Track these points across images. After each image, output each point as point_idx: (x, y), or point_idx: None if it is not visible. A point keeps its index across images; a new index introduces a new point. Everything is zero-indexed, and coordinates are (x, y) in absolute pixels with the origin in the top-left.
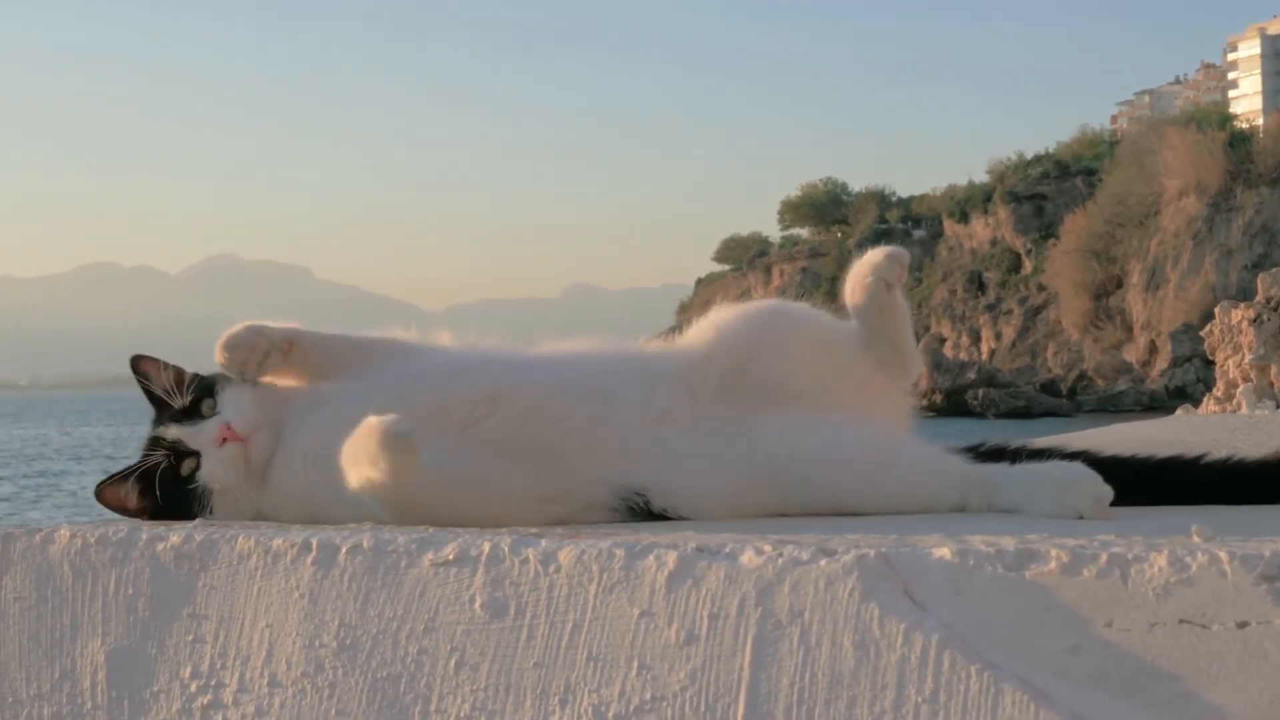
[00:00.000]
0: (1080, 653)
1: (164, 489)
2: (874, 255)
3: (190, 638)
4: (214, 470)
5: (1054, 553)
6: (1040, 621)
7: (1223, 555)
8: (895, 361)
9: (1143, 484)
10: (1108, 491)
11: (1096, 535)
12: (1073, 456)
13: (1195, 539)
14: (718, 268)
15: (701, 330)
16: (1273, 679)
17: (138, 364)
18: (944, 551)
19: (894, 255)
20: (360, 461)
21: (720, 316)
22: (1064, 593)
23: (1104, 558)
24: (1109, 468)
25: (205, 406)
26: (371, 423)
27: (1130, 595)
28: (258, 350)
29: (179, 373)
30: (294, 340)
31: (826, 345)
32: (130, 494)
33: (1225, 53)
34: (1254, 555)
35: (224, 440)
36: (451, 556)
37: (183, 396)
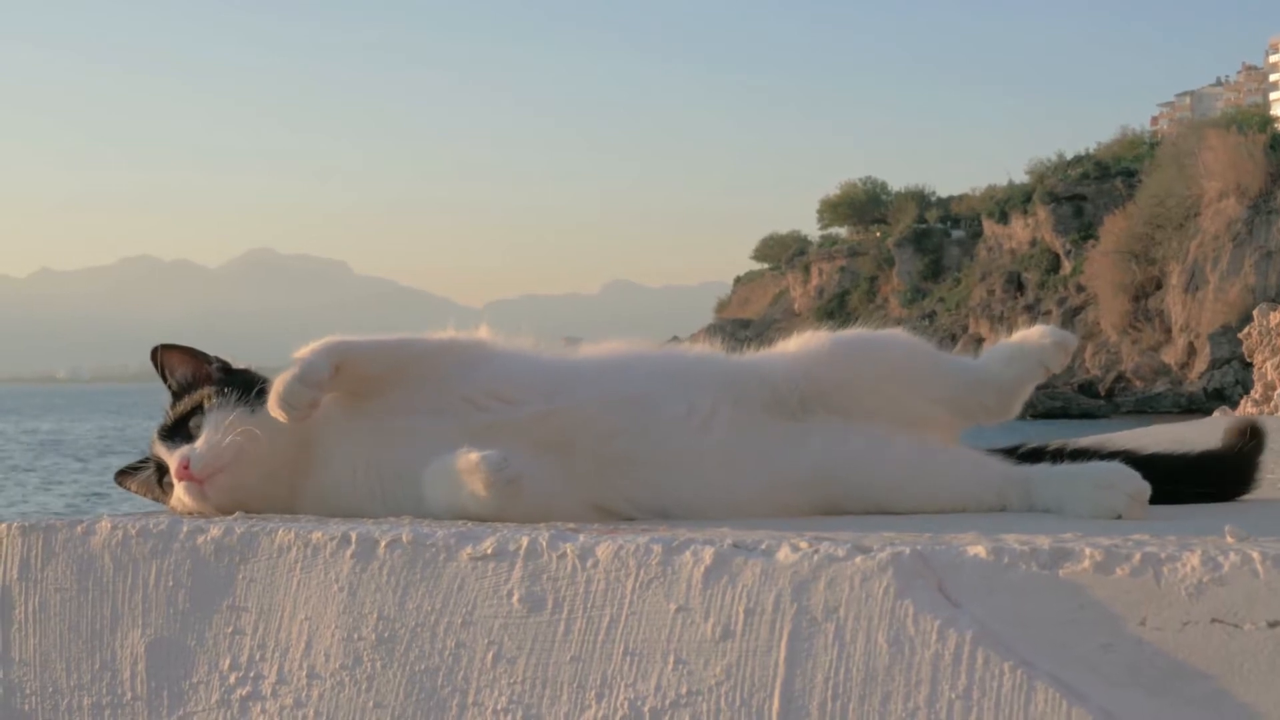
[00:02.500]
0: (1113, 650)
1: (161, 490)
2: (1043, 339)
3: (230, 629)
4: (179, 496)
5: (1088, 551)
6: (1073, 619)
7: (1255, 555)
8: (997, 411)
9: (1178, 483)
10: (1145, 487)
11: (1130, 534)
12: (1111, 456)
13: (1228, 539)
14: (756, 266)
15: (792, 349)
16: None
17: (158, 355)
18: (978, 550)
19: (1063, 344)
20: (458, 491)
21: (816, 341)
22: (1097, 591)
23: (1137, 557)
24: (1146, 466)
25: (192, 424)
26: (473, 460)
27: (1163, 594)
28: (316, 403)
29: (195, 369)
30: (339, 365)
31: (922, 380)
32: (139, 486)
33: (1267, 54)
34: None
35: (181, 478)
36: (490, 551)
37: (177, 404)
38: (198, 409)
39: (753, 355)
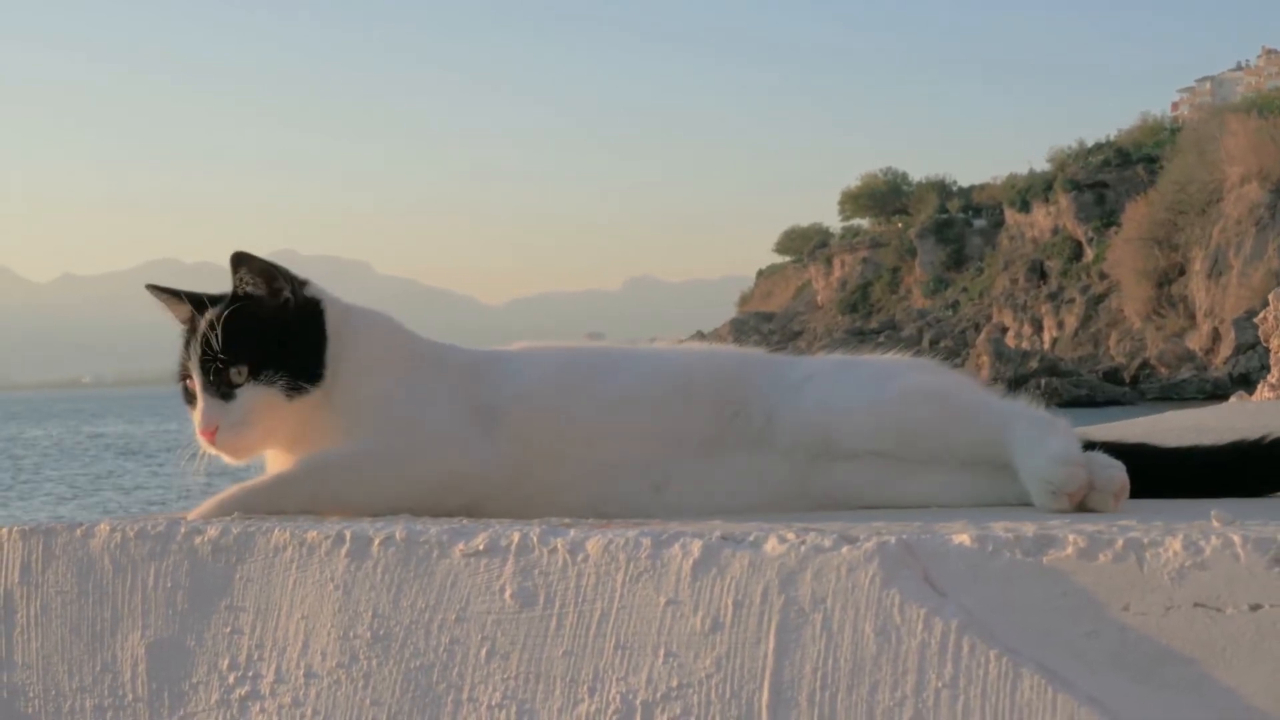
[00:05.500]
0: (1098, 636)
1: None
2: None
3: (228, 629)
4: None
5: (1071, 538)
6: (1058, 606)
7: (1236, 539)
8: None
9: (1161, 474)
10: (1068, 448)
11: (1116, 520)
12: (1090, 447)
13: (1215, 524)
14: (779, 259)
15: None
16: None
17: (244, 259)
18: (963, 538)
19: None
20: None
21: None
22: (1081, 577)
23: (1120, 542)
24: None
25: (234, 374)
26: None
27: (1146, 579)
28: None
29: (266, 286)
30: None
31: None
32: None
33: None
34: (1267, 539)
35: (203, 436)
36: (482, 547)
37: (229, 328)
38: (235, 366)
39: (754, 364)
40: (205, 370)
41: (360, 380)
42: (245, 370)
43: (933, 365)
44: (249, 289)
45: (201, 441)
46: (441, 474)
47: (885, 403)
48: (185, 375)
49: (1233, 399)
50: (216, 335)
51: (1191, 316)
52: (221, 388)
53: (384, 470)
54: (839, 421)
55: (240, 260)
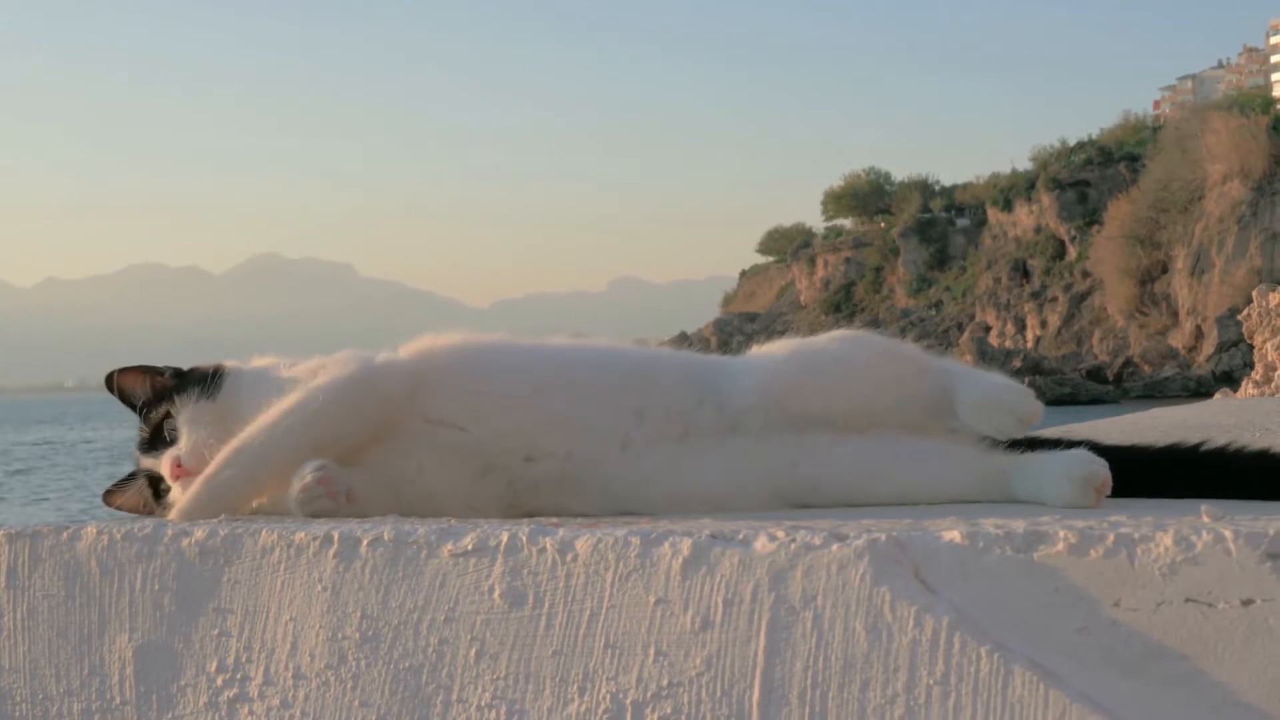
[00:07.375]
0: (1089, 633)
1: (156, 501)
2: (1020, 403)
3: (216, 632)
4: (176, 496)
5: (1062, 534)
6: (1049, 602)
7: (1227, 534)
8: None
9: (1146, 474)
10: (1098, 472)
11: (1107, 516)
12: (1076, 445)
13: (1204, 518)
14: (762, 259)
15: (756, 367)
16: (1277, 655)
17: (116, 380)
18: (954, 535)
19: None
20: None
21: (784, 366)
22: (1072, 573)
23: (1111, 538)
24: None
25: (167, 430)
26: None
27: (1137, 575)
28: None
29: (152, 384)
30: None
31: (912, 395)
32: (130, 500)
33: (1268, 36)
34: (1259, 533)
35: (176, 476)
36: (470, 547)
37: (149, 416)
38: (168, 416)
39: (713, 361)
40: (153, 446)
41: (265, 379)
42: (167, 410)
43: (869, 335)
44: (138, 397)
45: (175, 485)
46: (351, 390)
47: (825, 357)
48: (155, 479)
49: (1217, 396)
50: (143, 427)
51: (1174, 314)
52: (168, 436)
53: (300, 411)
54: (787, 386)
55: (111, 382)
